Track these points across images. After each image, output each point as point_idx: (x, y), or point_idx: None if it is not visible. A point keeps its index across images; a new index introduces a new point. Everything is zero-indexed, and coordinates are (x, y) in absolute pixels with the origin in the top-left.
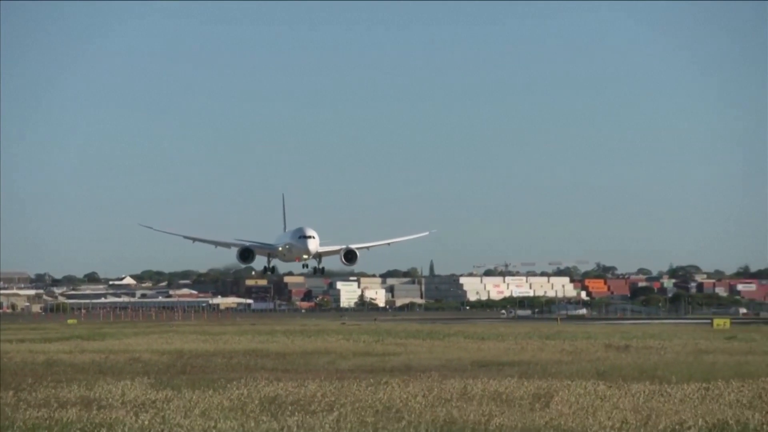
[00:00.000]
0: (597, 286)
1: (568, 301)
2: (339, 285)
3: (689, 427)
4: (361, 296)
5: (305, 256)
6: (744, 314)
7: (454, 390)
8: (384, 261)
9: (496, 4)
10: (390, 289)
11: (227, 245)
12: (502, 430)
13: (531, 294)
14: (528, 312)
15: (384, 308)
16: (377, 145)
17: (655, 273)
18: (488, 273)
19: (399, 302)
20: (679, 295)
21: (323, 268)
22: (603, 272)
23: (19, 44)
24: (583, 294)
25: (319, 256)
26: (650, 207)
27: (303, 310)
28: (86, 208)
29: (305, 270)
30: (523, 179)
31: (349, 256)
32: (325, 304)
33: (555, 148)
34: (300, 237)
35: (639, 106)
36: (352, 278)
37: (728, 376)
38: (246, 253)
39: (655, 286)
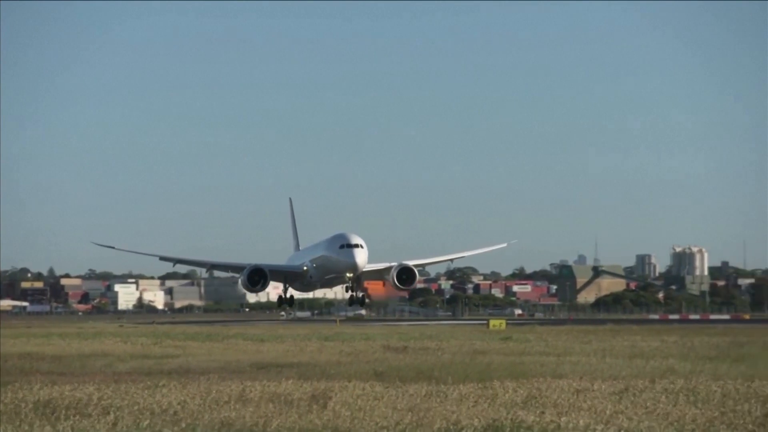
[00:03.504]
0: (376, 287)
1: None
2: (117, 287)
3: (463, 427)
4: (140, 298)
5: (349, 275)
6: (519, 315)
7: (233, 392)
8: (163, 263)
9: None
10: (169, 291)
11: (226, 268)
12: (279, 431)
13: (310, 295)
14: (307, 313)
15: (163, 310)
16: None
17: (432, 274)
18: None
19: (178, 304)
20: (457, 296)
21: (363, 296)
22: None
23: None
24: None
25: (358, 278)
26: (425, 205)
27: (80, 313)
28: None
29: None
30: (293, 174)
31: (405, 276)
32: (103, 306)
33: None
34: (342, 246)
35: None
36: (130, 280)
37: (503, 377)
38: (257, 276)
39: (433, 287)
